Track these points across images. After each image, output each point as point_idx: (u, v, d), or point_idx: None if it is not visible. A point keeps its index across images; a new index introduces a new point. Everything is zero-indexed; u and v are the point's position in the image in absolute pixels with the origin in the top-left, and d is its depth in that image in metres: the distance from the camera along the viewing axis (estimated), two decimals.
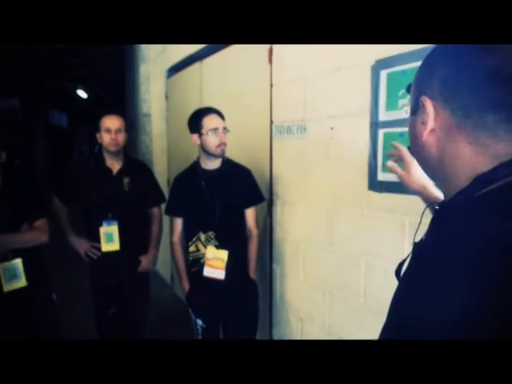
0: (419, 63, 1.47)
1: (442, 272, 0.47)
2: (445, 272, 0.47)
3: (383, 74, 1.53)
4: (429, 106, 0.55)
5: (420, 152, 0.60)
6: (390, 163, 1.14)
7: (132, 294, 2.36)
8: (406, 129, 1.45)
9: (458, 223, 0.51)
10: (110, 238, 2.21)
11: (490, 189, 0.50)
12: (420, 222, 0.74)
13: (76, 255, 2.30)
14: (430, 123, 0.55)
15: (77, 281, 3.70)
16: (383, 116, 1.54)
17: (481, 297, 0.42)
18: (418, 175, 1.05)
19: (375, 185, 1.59)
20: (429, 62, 0.58)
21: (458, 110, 0.52)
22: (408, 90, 1.49)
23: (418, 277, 0.55)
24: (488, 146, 0.51)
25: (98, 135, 2.22)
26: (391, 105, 1.51)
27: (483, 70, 0.49)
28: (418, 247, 0.62)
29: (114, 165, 2.25)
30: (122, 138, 2.20)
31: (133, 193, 2.25)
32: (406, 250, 1.50)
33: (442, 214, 0.58)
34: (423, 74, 0.58)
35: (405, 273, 0.63)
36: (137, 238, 2.32)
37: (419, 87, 0.58)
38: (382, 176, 1.56)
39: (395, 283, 1.68)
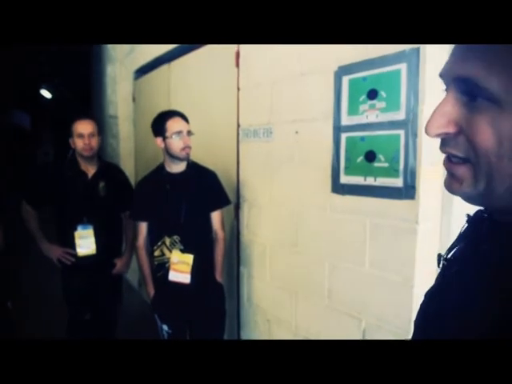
0: (379, 70, 1.52)
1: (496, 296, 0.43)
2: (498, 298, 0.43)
3: (345, 79, 1.58)
4: None
5: None
6: None
7: (106, 297, 2.37)
8: (366, 133, 1.50)
9: None
10: (85, 243, 2.20)
11: None
12: (459, 236, 0.65)
13: (42, 261, 2.24)
14: None
15: (41, 287, 3.58)
16: (345, 121, 1.58)
17: None
18: None
19: (338, 187, 1.63)
20: None
21: None
22: (369, 96, 1.54)
23: (453, 297, 0.51)
24: None
25: (70, 140, 2.21)
26: (352, 110, 1.55)
27: None
28: (459, 263, 0.56)
29: (89, 169, 2.26)
30: (95, 142, 2.21)
31: (108, 197, 2.26)
32: (368, 251, 1.54)
33: (504, 235, 0.48)
34: None
35: (437, 290, 0.60)
36: (112, 241, 2.34)
37: None
38: (344, 179, 1.60)
39: (357, 283, 1.72)
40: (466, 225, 0.61)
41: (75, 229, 2.18)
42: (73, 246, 2.18)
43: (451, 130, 0.46)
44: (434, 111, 0.48)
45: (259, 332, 2.21)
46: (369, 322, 1.57)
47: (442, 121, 0.46)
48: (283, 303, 1.99)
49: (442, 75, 0.50)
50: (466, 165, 0.47)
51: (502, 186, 0.44)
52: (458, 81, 0.45)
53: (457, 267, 0.55)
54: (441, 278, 0.61)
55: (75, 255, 2.19)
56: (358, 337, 1.61)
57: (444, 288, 0.58)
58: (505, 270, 0.44)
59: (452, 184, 0.50)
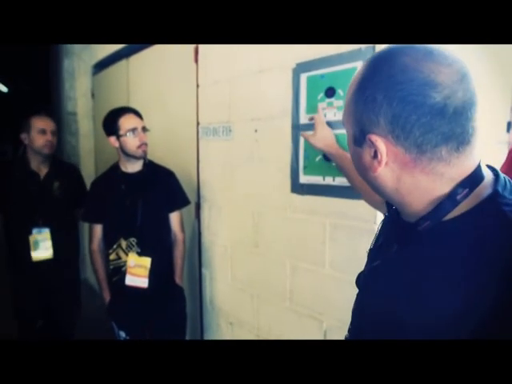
0: (336, 67, 1.49)
1: (411, 286, 0.54)
2: (414, 286, 0.54)
3: (303, 77, 1.54)
4: (380, 144, 0.54)
5: (372, 182, 0.60)
6: (302, 133, 1.45)
7: (62, 302, 2.28)
8: None
9: (430, 248, 0.55)
10: (41, 246, 2.09)
11: (455, 216, 0.54)
12: (378, 230, 0.76)
13: None
14: (384, 159, 0.55)
15: None
16: (304, 119, 1.55)
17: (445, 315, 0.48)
18: (322, 136, 1.34)
19: (297, 187, 1.60)
20: (369, 97, 0.54)
21: (412, 147, 0.52)
22: (327, 94, 1.51)
23: (382, 289, 0.61)
24: (444, 173, 0.53)
25: (23, 136, 2.09)
26: (311, 108, 1.52)
27: (432, 109, 0.50)
28: (380, 258, 0.66)
29: (41, 168, 2.15)
30: (55, 140, 2.14)
31: (64, 197, 2.18)
32: (327, 252, 1.52)
33: (410, 236, 0.59)
34: (364, 110, 0.55)
35: (366, 283, 0.70)
36: (69, 243, 2.26)
37: (362, 121, 0.56)
38: (303, 179, 1.57)
39: (318, 285, 1.69)
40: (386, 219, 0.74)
41: (30, 232, 2.07)
42: (26, 250, 2.07)
43: None
44: None
45: (222, 335, 2.16)
46: (330, 323, 1.55)
47: None
48: (245, 305, 1.95)
49: None
50: None
51: (379, 194, 0.62)
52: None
53: (378, 261, 0.66)
54: (367, 270, 0.71)
55: (29, 260, 2.08)
56: (319, 338, 1.59)
57: (368, 280, 0.69)
58: (410, 269, 0.57)
59: None
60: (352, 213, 1.42)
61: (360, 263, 1.40)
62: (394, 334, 0.54)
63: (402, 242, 0.61)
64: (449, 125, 0.50)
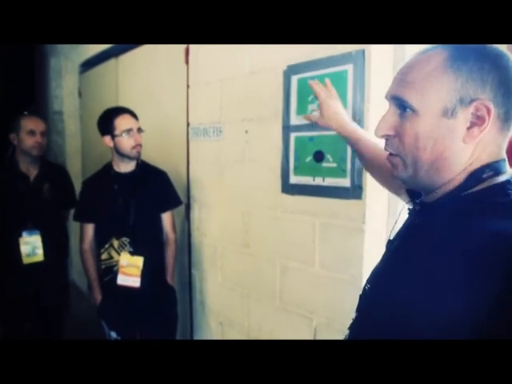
0: (327, 70, 1.52)
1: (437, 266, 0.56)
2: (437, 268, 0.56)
3: (294, 79, 1.57)
4: (489, 108, 0.57)
5: (445, 157, 0.60)
6: (306, 116, 1.38)
7: (51, 304, 2.25)
8: (315, 133, 1.50)
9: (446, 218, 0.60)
10: (32, 249, 2.07)
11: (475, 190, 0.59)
12: (396, 221, 0.79)
13: None
14: (488, 124, 0.57)
15: None
16: (294, 120, 1.58)
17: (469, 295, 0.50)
18: (331, 114, 1.18)
19: (287, 188, 1.62)
20: (478, 65, 0.57)
21: (503, 114, 0.58)
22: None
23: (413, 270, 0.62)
24: (493, 147, 0.60)
25: (12, 136, 2.06)
26: (301, 109, 1.54)
27: None
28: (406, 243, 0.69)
29: (31, 170, 2.12)
30: (45, 141, 2.11)
31: (54, 200, 2.16)
32: (317, 251, 1.55)
33: (431, 207, 0.65)
34: (471, 77, 0.57)
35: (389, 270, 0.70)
36: (59, 245, 2.25)
37: (464, 90, 0.58)
38: (293, 179, 1.60)
39: (308, 284, 1.71)
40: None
41: (20, 235, 2.05)
42: (15, 253, 2.04)
43: (390, 132, 0.65)
44: (380, 120, 0.67)
45: (212, 335, 2.17)
46: (319, 321, 1.58)
47: (385, 126, 0.66)
48: (235, 305, 1.97)
49: (385, 96, 0.68)
50: (397, 156, 0.66)
51: (422, 170, 0.63)
52: (393, 99, 0.65)
53: (397, 243, 0.71)
54: (385, 256, 0.74)
55: (19, 262, 2.05)
56: (309, 336, 1.62)
57: (388, 261, 0.72)
58: (433, 236, 0.61)
59: (393, 170, 0.69)
60: (342, 212, 1.45)
61: (350, 262, 1.44)
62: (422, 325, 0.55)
63: (421, 216, 0.67)
64: None
